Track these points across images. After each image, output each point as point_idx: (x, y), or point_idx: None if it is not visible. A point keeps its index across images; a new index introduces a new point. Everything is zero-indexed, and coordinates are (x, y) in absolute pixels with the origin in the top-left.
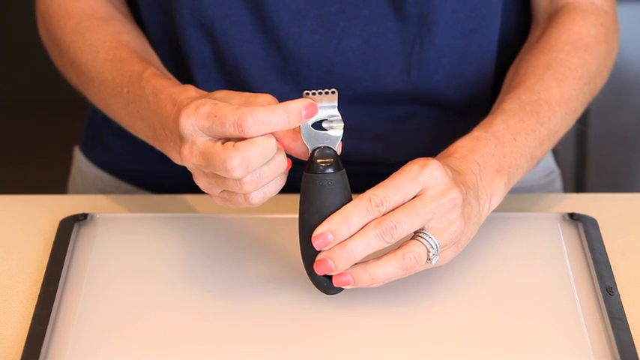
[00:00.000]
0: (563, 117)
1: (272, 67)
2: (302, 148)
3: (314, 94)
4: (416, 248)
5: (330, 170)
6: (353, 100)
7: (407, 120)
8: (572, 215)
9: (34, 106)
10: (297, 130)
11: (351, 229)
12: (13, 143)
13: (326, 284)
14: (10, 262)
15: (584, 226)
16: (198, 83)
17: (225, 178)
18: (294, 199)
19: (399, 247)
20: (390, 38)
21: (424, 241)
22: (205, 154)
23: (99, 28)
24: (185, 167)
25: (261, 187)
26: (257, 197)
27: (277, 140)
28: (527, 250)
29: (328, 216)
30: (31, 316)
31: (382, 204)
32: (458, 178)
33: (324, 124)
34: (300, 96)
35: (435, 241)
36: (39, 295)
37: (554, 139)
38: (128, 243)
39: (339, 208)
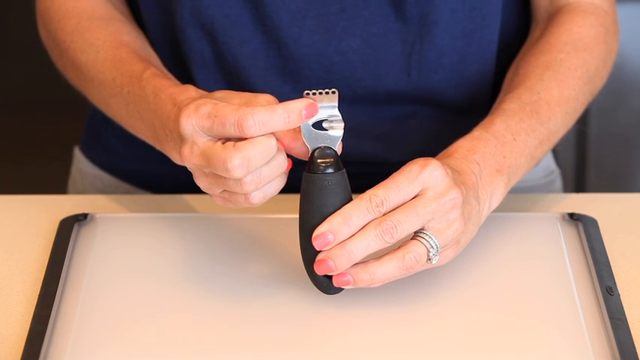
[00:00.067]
0: (563, 117)
1: (272, 67)
2: (302, 148)
3: (314, 94)
4: (416, 248)
5: (330, 170)
6: (353, 100)
7: (407, 120)
8: (572, 215)
9: (34, 106)
10: (297, 130)
11: (352, 229)
12: (13, 143)
13: (326, 284)
14: (10, 262)
15: (584, 226)
16: (198, 83)
17: (225, 178)
18: (294, 199)
19: (399, 247)
20: (390, 38)
21: (424, 241)
22: (206, 154)
23: (99, 28)
24: (185, 167)
25: (262, 187)
26: (257, 197)
27: (277, 140)
28: (527, 250)
29: (328, 216)
30: (31, 316)
31: (382, 204)
32: (458, 178)
33: (324, 124)
34: (301, 96)
35: (435, 241)
36: (39, 295)
37: (554, 139)
38: (128, 243)
39: (340, 208)
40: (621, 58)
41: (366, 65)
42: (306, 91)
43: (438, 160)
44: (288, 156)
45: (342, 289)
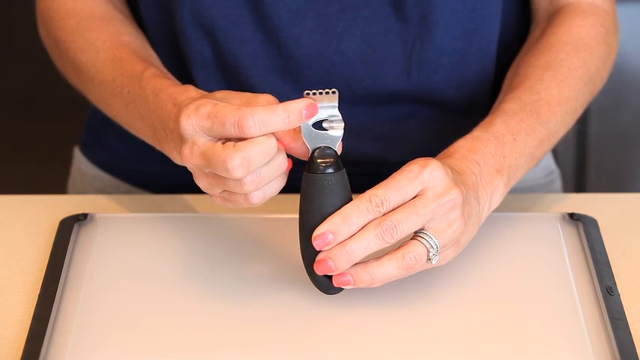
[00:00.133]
0: (563, 117)
1: (272, 67)
2: (302, 148)
3: (314, 94)
4: (416, 248)
5: (330, 170)
6: (353, 100)
7: (407, 120)
8: (572, 215)
9: (34, 106)
10: (297, 130)
11: (351, 229)
12: (13, 143)
13: (326, 284)
14: (10, 262)
15: (584, 226)
16: (198, 83)
17: (225, 178)
18: (294, 199)
19: (399, 247)
20: (390, 38)
21: (424, 241)
22: (206, 154)
23: (99, 28)
24: (185, 167)
25: (262, 187)
26: (257, 197)
27: (278, 140)
28: (527, 250)
29: (328, 216)
30: (31, 316)
31: (382, 204)
32: (458, 178)
33: (324, 124)
34: (301, 96)
35: (435, 241)
36: (39, 295)
37: (554, 139)
38: (128, 243)
39: (340, 208)
40: (621, 58)
41: (366, 65)
42: (306, 91)
43: (438, 160)
44: (288, 156)
45: (342, 289)
